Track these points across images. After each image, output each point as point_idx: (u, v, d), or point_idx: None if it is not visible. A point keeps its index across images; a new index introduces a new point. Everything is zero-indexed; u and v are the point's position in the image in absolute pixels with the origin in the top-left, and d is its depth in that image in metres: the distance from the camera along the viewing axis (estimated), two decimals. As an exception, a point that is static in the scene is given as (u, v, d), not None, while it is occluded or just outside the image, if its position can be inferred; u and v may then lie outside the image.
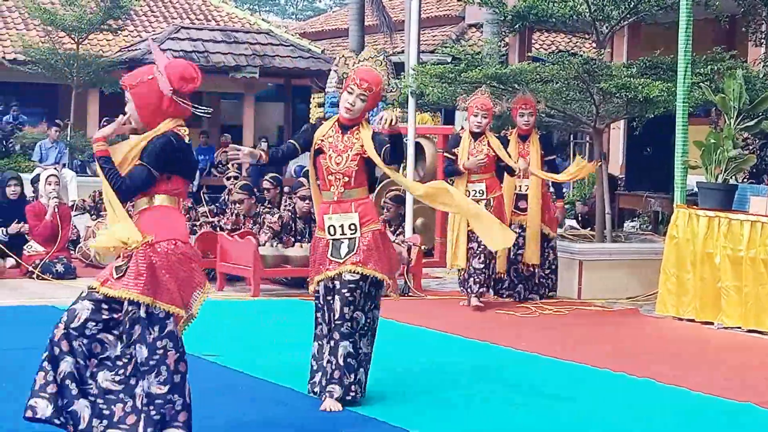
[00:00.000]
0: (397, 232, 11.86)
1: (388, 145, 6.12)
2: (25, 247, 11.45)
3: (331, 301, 6.19)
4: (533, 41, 21.03)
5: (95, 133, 5.00)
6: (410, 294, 10.71)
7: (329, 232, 6.19)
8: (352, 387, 6.17)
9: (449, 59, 19.48)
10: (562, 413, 6.24)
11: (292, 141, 6.32)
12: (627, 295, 10.64)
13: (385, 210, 12.38)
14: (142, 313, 4.98)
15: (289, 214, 11.37)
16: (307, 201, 11.34)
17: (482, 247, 9.70)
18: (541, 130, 11.32)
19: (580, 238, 11.58)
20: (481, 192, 9.88)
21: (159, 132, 5.03)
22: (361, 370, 6.24)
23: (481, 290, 9.96)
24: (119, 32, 23.35)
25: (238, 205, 12.05)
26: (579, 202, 15.47)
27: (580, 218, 15.01)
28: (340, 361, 6.13)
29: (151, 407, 4.97)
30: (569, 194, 16.53)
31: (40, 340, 5.84)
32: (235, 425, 5.83)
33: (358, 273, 6.11)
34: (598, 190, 11.40)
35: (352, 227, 6.15)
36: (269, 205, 12.15)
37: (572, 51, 19.49)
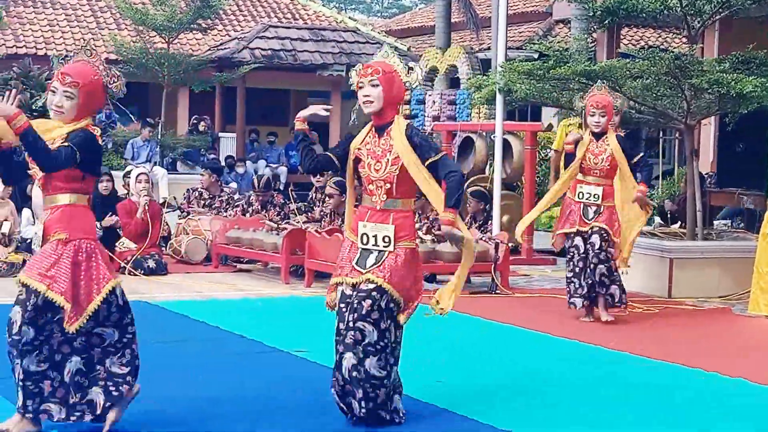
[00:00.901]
0: (484, 229, 11.82)
1: (453, 179, 5.61)
2: (117, 243, 11.65)
3: (344, 311, 5.71)
4: (622, 37, 20.81)
5: (5, 109, 5.06)
6: (497, 292, 10.68)
7: (362, 240, 5.72)
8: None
9: (536, 56, 19.39)
10: (654, 412, 6.18)
11: (328, 152, 5.93)
12: (719, 293, 10.49)
13: (467, 205, 12.36)
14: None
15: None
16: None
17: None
18: (630, 126, 11.21)
19: (670, 236, 11.43)
20: (595, 197, 9.18)
21: (80, 126, 5.28)
22: (370, 392, 5.59)
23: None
24: (208, 31, 23.61)
25: (328, 199, 12.11)
26: (668, 201, 15.29)
27: (669, 216, 14.83)
28: (346, 375, 5.63)
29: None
30: (658, 192, 16.33)
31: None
32: (322, 419, 5.85)
33: (375, 283, 5.62)
34: (689, 187, 11.23)
35: (386, 240, 5.68)
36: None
37: (662, 46, 19.28)
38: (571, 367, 7.36)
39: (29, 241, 11.52)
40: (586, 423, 5.94)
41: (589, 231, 9.12)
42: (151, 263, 11.37)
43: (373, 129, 5.80)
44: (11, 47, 23.99)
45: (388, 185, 5.68)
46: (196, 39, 25.03)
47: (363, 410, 5.60)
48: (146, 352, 7.45)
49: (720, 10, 11.29)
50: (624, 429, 5.87)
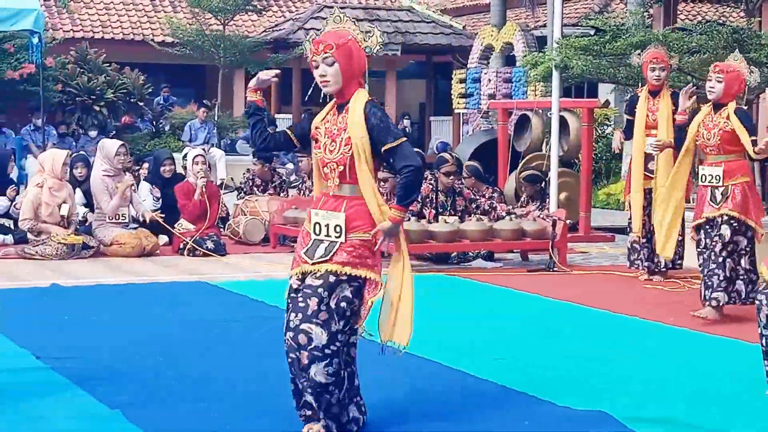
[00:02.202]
0: (542, 207, 11.79)
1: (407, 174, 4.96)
2: (175, 225, 11.77)
3: (289, 307, 5.10)
4: (678, 12, 20.60)
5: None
6: (555, 269, 10.65)
7: (314, 230, 5.10)
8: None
9: (592, 32, 19.24)
10: (721, 389, 6.15)
11: (286, 130, 5.35)
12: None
13: (522, 188, 12.36)
14: None
15: (431, 187, 11.41)
16: (451, 177, 11.37)
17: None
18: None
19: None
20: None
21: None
22: (320, 398, 5.05)
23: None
24: (263, 12, 23.70)
25: (383, 183, 12.15)
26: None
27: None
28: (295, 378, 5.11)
29: None
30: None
31: (192, 314, 6.01)
32: (387, 398, 5.89)
33: (321, 279, 5.00)
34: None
35: (338, 229, 5.04)
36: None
37: (719, 21, 19.04)
38: (633, 342, 7.33)
39: (87, 222, 11.73)
40: (668, 401, 5.92)
41: (718, 218, 8.15)
42: (210, 244, 11.47)
43: (336, 106, 5.19)
44: (68, 31, 24.25)
45: (341, 167, 5.05)
46: (252, 20, 25.14)
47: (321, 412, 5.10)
48: (210, 332, 7.57)
49: (779, -18, 11.18)
50: (699, 404, 5.83)
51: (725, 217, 8.10)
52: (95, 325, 7.78)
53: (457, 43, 23.53)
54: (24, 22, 14.80)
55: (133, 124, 21.32)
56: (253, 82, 5.45)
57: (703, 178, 8.22)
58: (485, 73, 19.10)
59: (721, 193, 8.11)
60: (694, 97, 8.72)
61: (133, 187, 11.77)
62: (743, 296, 8.16)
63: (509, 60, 19.57)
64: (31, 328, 7.55)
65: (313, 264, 5.02)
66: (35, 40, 15.32)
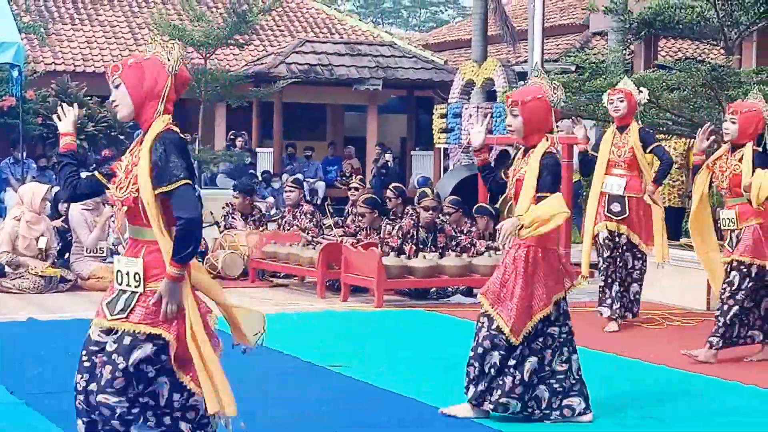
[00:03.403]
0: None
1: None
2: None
3: (86, 365, 4.68)
4: (659, 48, 20.72)
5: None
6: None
7: (117, 279, 4.62)
8: None
9: (573, 68, 19.34)
10: (697, 427, 6.13)
11: (96, 172, 4.85)
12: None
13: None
14: None
15: (411, 222, 11.41)
16: (430, 211, 11.37)
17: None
18: (666, 135, 11.11)
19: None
20: (619, 186, 9.07)
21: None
22: None
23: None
24: (245, 47, 23.73)
25: (360, 218, 12.16)
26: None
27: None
28: None
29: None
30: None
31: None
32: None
33: (117, 340, 4.53)
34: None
35: (136, 278, 4.53)
36: (392, 217, 12.23)
37: (699, 58, 19.17)
38: (608, 380, 7.31)
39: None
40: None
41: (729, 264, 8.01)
42: (188, 278, 11.38)
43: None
44: (50, 64, 24.21)
45: (126, 207, 4.57)
46: (234, 54, 25.17)
47: None
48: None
49: (757, 20, 11.26)
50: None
51: (735, 263, 7.91)
52: (72, 360, 7.69)
53: (438, 78, 23.61)
54: (4, 56, 14.78)
55: (114, 157, 21.26)
56: (66, 126, 4.88)
57: (724, 222, 8.06)
58: (466, 108, 19.16)
59: (736, 237, 7.92)
60: (713, 137, 8.51)
61: (111, 219, 11.71)
62: (734, 336, 7.99)
63: (490, 95, 19.63)
64: (7, 362, 7.48)
65: (111, 320, 4.55)
66: (15, 74, 15.29)
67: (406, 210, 12.23)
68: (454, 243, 11.43)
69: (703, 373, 7.55)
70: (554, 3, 28.23)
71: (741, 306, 7.93)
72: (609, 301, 9.27)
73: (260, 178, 21.52)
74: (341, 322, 9.74)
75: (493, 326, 6.09)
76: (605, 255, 9.20)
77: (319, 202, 20.92)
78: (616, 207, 9.10)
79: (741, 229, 7.90)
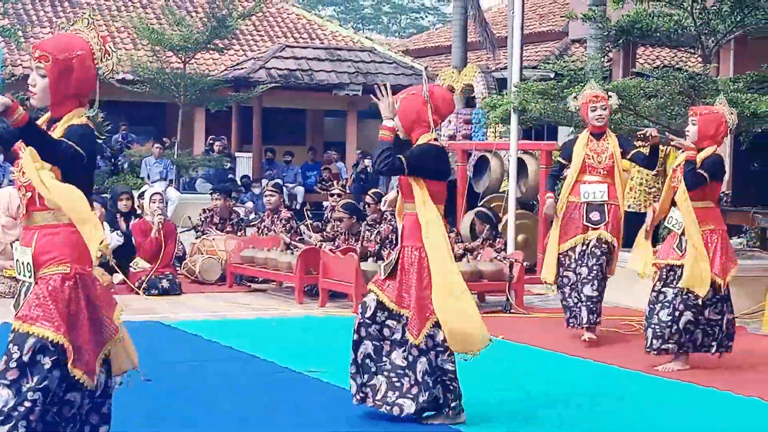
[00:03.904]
0: (499, 249, 11.82)
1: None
2: (131, 264, 11.70)
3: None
4: (637, 56, 20.79)
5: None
6: (512, 311, 10.65)
7: (18, 270, 4.51)
8: None
9: (552, 75, 19.39)
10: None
11: None
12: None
13: (477, 227, 12.41)
14: None
15: (390, 227, 11.43)
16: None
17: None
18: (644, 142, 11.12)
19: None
20: (601, 194, 8.77)
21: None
22: None
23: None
24: (225, 51, 23.70)
25: (338, 223, 12.16)
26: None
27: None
28: None
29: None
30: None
31: (143, 354, 5.91)
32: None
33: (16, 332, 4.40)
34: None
35: (29, 268, 4.38)
36: (371, 222, 12.23)
37: (677, 65, 19.26)
38: (583, 386, 7.33)
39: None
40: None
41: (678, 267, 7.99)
42: (165, 283, 11.39)
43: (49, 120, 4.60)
44: (28, 67, 24.08)
45: (29, 193, 4.48)
46: (213, 59, 25.13)
47: None
48: (158, 373, 7.50)
49: (734, 29, 11.31)
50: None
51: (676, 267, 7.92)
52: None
53: (418, 83, 23.60)
54: (-18, 59, 14.72)
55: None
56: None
57: (669, 220, 8.09)
58: (445, 115, 19.16)
59: (686, 240, 7.87)
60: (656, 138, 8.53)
61: None
62: (698, 345, 8.03)
63: (470, 101, 19.68)
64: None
65: (15, 318, 4.40)
66: (-7, 76, 15.23)
67: (385, 215, 12.24)
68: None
69: (679, 379, 7.58)
70: (534, 10, 28.31)
71: (694, 312, 7.89)
72: (592, 309, 8.82)
73: (240, 183, 21.49)
74: (319, 327, 9.73)
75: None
76: (590, 263, 8.76)
77: (298, 207, 20.91)
78: (595, 216, 8.81)
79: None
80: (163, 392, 6.80)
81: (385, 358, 6.16)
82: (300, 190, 22.69)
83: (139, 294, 11.27)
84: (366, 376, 6.17)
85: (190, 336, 9.00)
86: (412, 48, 31.81)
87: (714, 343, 8.03)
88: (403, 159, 6.06)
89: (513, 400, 6.88)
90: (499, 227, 12.45)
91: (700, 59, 12.26)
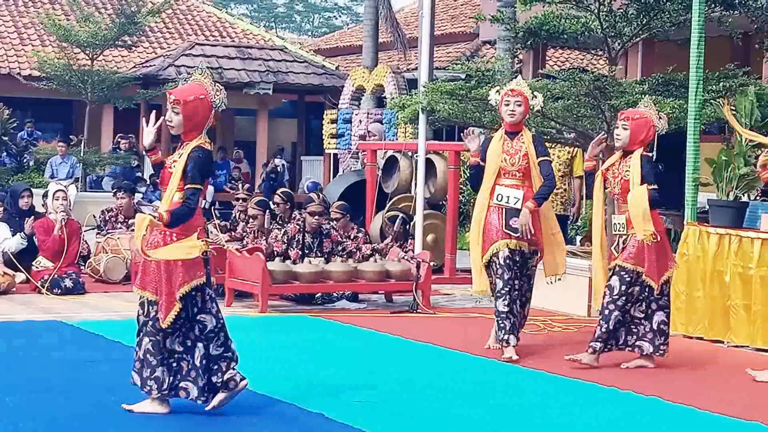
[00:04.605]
0: (406, 249, 11.82)
1: None
2: (33, 262, 11.48)
3: None
4: (547, 58, 21.00)
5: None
6: (419, 311, 10.66)
7: None
8: None
9: (463, 76, 19.49)
10: (565, 430, 6.19)
11: None
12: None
13: (387, 229, 12.39)
14: None
15: (297, 227, 11.37)
16: (316, 216, 11.33)
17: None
18: (551, 143, 11.20)
19: (590, 255, 11.48)
20: (516, 200, 8.25)
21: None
22: None
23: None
24: (134, 48, 23.43)
25: (252, 220, 12.06)
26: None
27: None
28: None
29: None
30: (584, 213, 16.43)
31: (45, 353, 5.89)
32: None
33: None
34: (609, 206, 11.33)
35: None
36: (280, 221, 12.15)
37: (586, 67, 19.46)
38: (483, 384, 7.35)
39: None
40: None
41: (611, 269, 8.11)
42: (69, 282, 11.18)
43: None
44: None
45: None
46: (122, 56, 24.85)
47: None
48: (58, 372, 7.35)
49: (640, 32, 11.44)
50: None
51: (617, 268, 8.01)
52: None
53: (329, 83, 23.60)
54: None
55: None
56: None
57: (615, 227, 8.13)
58: (356, 114, 19.19)
59: (623, 242, 8.01)
60: (603, 144, 8.59)
61: None
62: (620, 343, 8.11)
63: (380, 101, 19.69)
64: None
65: None
66: None
67: (293, 215, 12.18)
68: (340, 248, 11.41)
69: (582, 378, 7.64)
70: (445, 11, 28.45)
71: (623, 311, 8.04)
72: (513, 327, 8.30)
73: (149, 182, 21.23)
74: (224, 327, 9.61)
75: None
76: (506, 277, 8.21)
77: (207, 205, 20.70)
78: (515, 223, 8.23)
79: (627, 235, 7.99)
80: (59, 394, 6.66)
81: (162, 348, 6.26)
82: (209, 189, 22.47)
83: (42, 293, 11.06)
84: (148, 370, 6.25)
85: (92, 336, 8.84)
86: (324, 47, 31.77)
87: (638, 342, 8.14)
88: None
89: (416, 399, 6.86)
90: (408, 227, 12.46)
91: (607, 61, 12.39)
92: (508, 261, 8.23)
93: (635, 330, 8.16)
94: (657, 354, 8.17)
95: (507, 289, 8.21)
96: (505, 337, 8.22)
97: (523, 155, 8.27)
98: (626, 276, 7.98)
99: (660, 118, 8.23)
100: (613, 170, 8.12)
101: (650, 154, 8.16)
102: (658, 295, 8.08)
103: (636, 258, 7.95)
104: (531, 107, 8.46)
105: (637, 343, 8.16)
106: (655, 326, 8.14)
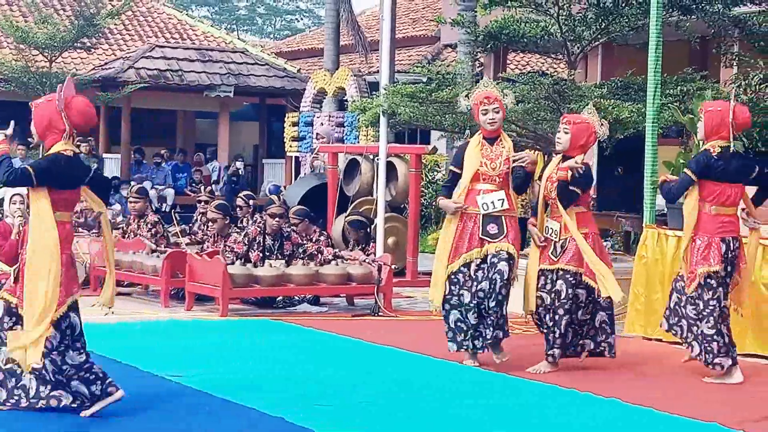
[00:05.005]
0: (367, 252, 11.82)
1: None
2: (-8, 266, 11.37)
3: None
4: (508, 61, 21.07)
5: None
6: (381, 314, 10.66)
7: None
8: None
9: (424, 79, 19.52)
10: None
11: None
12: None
13: (348, 233, 12.38)
14: None
15: (258, 229, 11.34)
16: (277, 219, 11.31)
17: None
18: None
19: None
20: (500, 202, 7.95)
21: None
22: None
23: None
24: (93, 50, 23.29)
25: (211, 224, 12.01)
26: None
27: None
28: None
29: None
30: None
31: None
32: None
33: None
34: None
35: None
36: (241, 225, 12.12)
37: (547, 71, 19.57)
38: (440, 387, 7.36)
39: None
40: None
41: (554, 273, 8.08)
42: (27, 286, 11.08)
43: None
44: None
45: None
46: (81, 58, 24.67)
47: None
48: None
49: (599, 36, 11.52)
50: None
51: (560, 272, 8.01)
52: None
53: (290, 86, 23.57)
54: None
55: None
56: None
57: (547, 230, 8.06)
58: (318, 117, 19.17)
59: (561, 246, 8.00)
60: (535, 164, 8.37)
61: None
62: (568, 344, 8.12)
63: (342, 104, 19.70)
64: None
65: None
66: None
67: (255, 218, 12.15)
68: (300, 251, 11.40)
69: (542, 380, 7.67)
70: (407, 14, 28.49)
71: (571, 314, 8.07)
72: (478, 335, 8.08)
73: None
74: (185, 331, 9.59)
75: None
76: (474, 289, 7.96)
77: (167, 209, 20.62)
78: (493, 228, 7.95)
79: (564, 239, 7.99)
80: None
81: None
82: (170, 192, 22.39)
83: (-2, 298, 10.96)
84: (14, 380, 6.24)
85: (50, 341, 8.76)
86: (286, 50, 31.72)
87: (583, 342, 8.18)
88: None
89: (377, 402, 6.87)
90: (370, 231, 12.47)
91: (567, 65, 12.47)
92: (479, 272, 7.96)
93: (580, 331, 8.21)
94: (608, 355, 8.21)
95: (476, 301, 7.95)
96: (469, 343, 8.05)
97: (505, 160, 8.00)
98: (571, 279, 8.01)
99: (602, 125, 8.25)
100: (551, 175, 8.06)
101: (588, 162, 8.16)
102: (598, 296, 8.13)
103: (577, 260, 7.99)
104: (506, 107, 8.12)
105: (581, 342, 8.22)
106: (597, 324, 8.19)
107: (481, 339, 8.05)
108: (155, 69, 22.76)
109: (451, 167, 8.25)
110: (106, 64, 24.14)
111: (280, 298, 11.10)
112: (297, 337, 9.39)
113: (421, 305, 11.52)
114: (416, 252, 13.05)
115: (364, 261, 11.23)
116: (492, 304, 7.90)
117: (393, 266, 11.32)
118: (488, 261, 7.98)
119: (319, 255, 11.39)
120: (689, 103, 10.22)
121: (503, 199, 7.94)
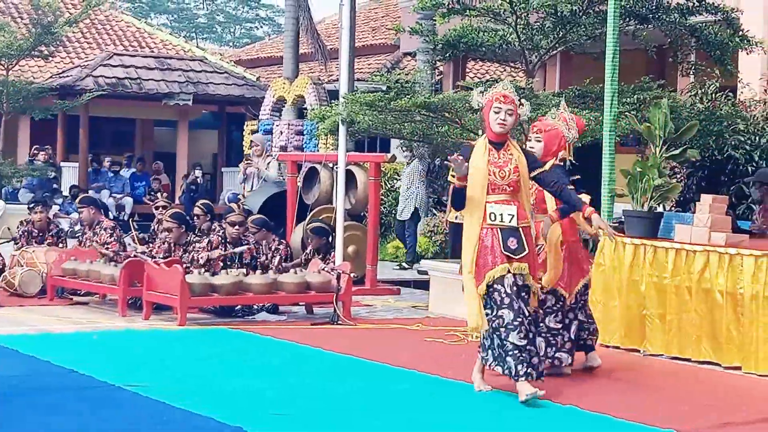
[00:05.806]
0: (327, 260, 11.81)
1: None
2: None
3: None
4: (468, 70, 21.15)
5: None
6: (340, 322, 10.65)
7: None
8: None
9: (384, 87, 19.55)
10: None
11: None
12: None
13: (309, 240, 12.36)
14: None
15: (219, 238, 11.30)
16: (236, 227, 11.28)
17: None
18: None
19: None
20: (510, 216, 7.35)
21: None
22: None
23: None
24: (51, 58, 23.13)
25: (167, 233, 11.95)
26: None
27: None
28: None
29: None
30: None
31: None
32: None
33: None
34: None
35: None
36: (199, 233, 12.06)
37: (505, 79, 19.62)
38: (402, 395, 7.36)
39: None
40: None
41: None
42: (-17, 296, 11.00)
43: None
44: None
45: None
46: (38, 66, 24.50)
47: None
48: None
49: (556, 45, 11.58)
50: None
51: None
52: None
53: (250, 94, 23.53)
54: None
55: None
56: None
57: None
58: (277, 125, 19.12)
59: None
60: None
61: None
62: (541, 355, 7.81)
63: (301, 113, 19.65)
64: None
65: None
66: None
67: (214, 227, 12.10)
68: (263, 257, 11.37)
69: (501, 388, 7.67)
70: (367, 23, 28.50)
71: (547, 326, 8.09)
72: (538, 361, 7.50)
73: (69, 194, 20.95)
74: (142, 341, 9.53)
75: None
76: (515, 306, 7.27)
77: (126, 217, 20.50)
78: (513, 243, 7.33)
79: (540, 245, 7.90)
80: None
81: None
82: (128, 201, 22.26)
83: (-47, 308, 10.87)
84: None
85: (7, 350, 8.69)
86: (245, 58, 31.64)
87: (557, 353, 8.18)
88: None
89: (336, 411, 6.85)
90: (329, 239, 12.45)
91: (525, 74, 12.53)
92: (514, 287, 7.32)
93: (554, 342, 8.22)
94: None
95: (520, 319, 7.26)
96: (528, 371, 7.25)
97: (514, 168, 7.35)
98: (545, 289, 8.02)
99: (569, 128, 8.28)
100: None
101: (562, 164, 8.19)
102: (573, 304, 8.16)
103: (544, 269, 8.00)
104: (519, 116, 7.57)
105: (557, 354, 8.23)
106: (573, 336, 8.23)
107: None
108: (113, 77, 22.65)
109: (451, 176, 7.37)
110: (63, 72, 24.00)
111: (239, 307, 11.06)
112: (255, 346, 9.36)
113: (381, 313, 11.53)
114: (376, 260, 13.05)
115: (323, 269, 11.21)
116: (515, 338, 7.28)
117: (352, 275, 11.30)
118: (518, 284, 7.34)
119: (273, 262, 11.39)
120: (646, 111, 10.28)
121: (513, 215, 7.32)
